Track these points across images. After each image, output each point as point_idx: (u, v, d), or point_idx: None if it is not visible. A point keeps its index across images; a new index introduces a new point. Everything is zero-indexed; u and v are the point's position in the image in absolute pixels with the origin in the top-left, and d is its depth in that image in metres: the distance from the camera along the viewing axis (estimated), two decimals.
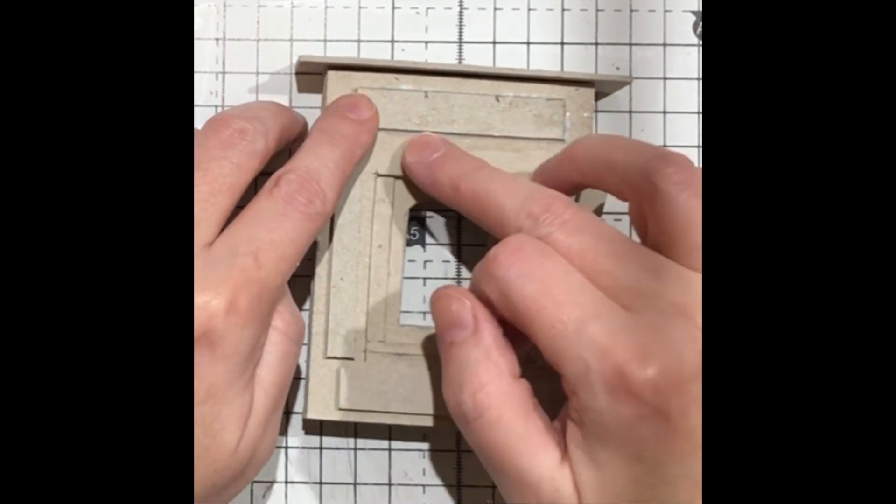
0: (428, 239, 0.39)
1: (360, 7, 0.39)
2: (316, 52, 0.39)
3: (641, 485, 0.28)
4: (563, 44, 0.39)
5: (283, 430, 0.38)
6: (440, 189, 0.35)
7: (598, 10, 0.39)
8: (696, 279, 0.30)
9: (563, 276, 0.30)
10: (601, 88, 0.38)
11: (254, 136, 0.33)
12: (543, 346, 0.30)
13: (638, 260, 0.30)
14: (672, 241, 0.30)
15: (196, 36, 0.39)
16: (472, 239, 0.39)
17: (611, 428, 0.29)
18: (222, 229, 0.32)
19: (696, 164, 0.32)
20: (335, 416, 0.36)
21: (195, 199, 0.31)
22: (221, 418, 0.31)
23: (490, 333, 0.32)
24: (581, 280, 0.30)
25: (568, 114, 0.37)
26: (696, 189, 0.30)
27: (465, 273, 0.39)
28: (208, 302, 0.30)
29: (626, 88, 0.39)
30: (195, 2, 0.39)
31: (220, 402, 0.31)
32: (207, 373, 0.30)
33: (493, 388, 0.31)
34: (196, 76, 0.38)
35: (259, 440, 0.33)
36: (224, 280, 0.30)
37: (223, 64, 0.39)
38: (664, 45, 0.39)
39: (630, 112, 0.39)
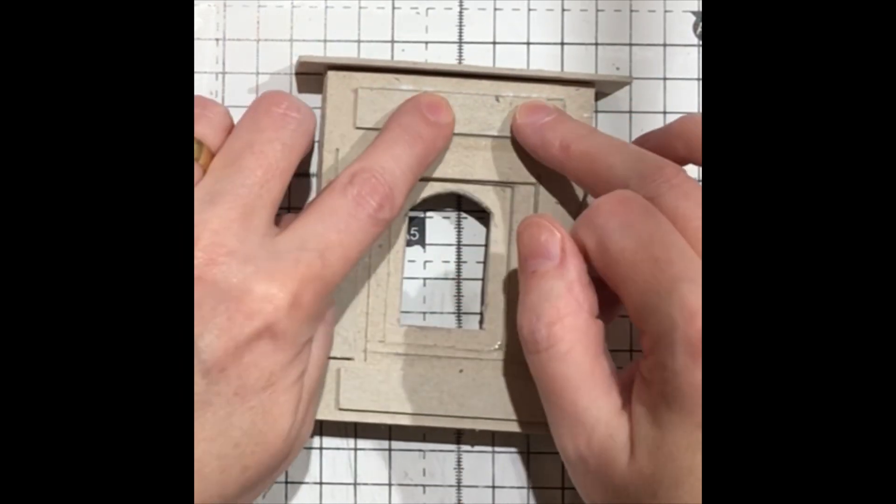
0: (428, 239, 0.39)
1: (360, 7, 0.39)
2: (316, 52, 0.39)
3: (699, 453, 0.28)
4: (563, 44, 0.39)
5: None
6: (549, 150, 0.35)
7: (598, 10, 0.39)
8: None
9: (665, 234, 0.30)
10: (601, 88, 0.38)
11: (305, 113, 0.33)
12: (632, 301, 0.30)
13: None
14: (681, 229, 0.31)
15: (196, 36, 0.39)
16: (472, 239, 0.39)
17: (683, 391, 0.28)
18: (277, 215, 0.33)
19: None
20: (335, 416, 0.36)
21: (251, 182, 0.32)
22: (279, 405, 0.31)
23: (575, 268, 0.32)
24: (682, 242, 0.30)
25: (568, 114, 0.37)
26: (692, 185, 0.31)
27: (465, 273, 0.39)
28: (274, 295, 0.30)
29: (626, 88, 0.39)
30: (195, 2, 0.39)
31: (278, 391, 0.31)
32: (269, 362, 0.31)
33: (570, 322, 0.31)
34: (196, 76, 0.38)
35: (304, 424, 0.33)
36: (290, 274, 0.31)
37: (223, 64, 0.39)
38: (664, 45, 0.39)
39: (630, 112, 0.39)
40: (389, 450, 0.38)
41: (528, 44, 0.39)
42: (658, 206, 0.31)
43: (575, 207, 0.37)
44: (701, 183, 0.31)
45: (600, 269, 0.31)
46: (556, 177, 0.36)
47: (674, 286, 0.29)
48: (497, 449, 0.38)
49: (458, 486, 0.38)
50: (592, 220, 0.31)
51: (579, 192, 0.37)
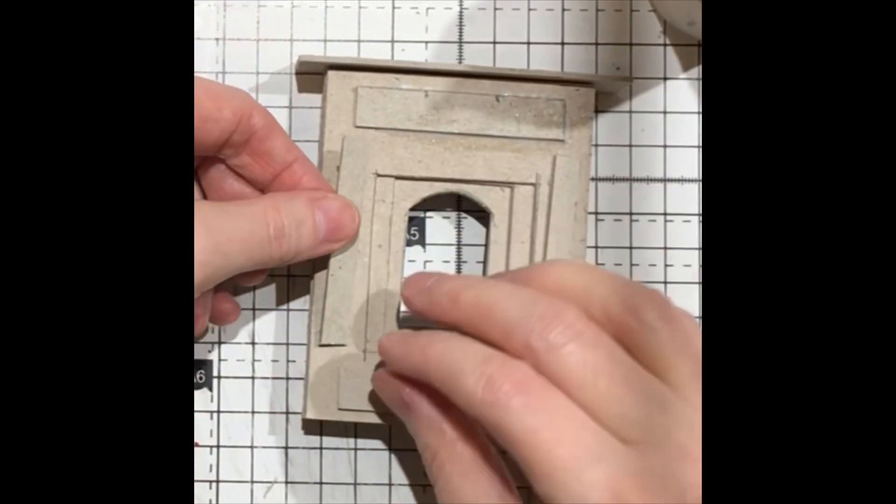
0: (428, 239, 0.39)
1: (360, 7, 0.39)
2: (316, 52, 0.39)
3: None
4: (563, 44, 0.39)
5: (284, 430, 0.38)
6: (440, 306, 0.32)
7: (598, 10, 0.39)
8: (696, 417, 0.29)
9: (567, 411, 0.29)
10: (601, 88, 0.38)
11: None
12: (539, 480, 0.29)
13: (647, 390, 0.29)
14: (663, 371, 0.30)
15: (196, 36, 0.39)
16: (472, 239, 0.39)
17: None
18: None
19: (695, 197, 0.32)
20: (335, 416, 0.36)
21: None
22: None
23: (424, 404, 0.32)
24: (583, 417, 0.29)
25: (568, 114, 0.37)
26: (679, 321, 0.30)
27: (464, 273, 0.39)
28: None
29: (626, 88, 0.39)
30: (195, 2, 0.39)
31: None
32: None
33: (443, 455, 0.32)
34: (196, 76, 0.38)
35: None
36: None
37: (223, 64, 0.39)
38: (664, 45, 0.39)
39: (630, 112, 0.39)
40: (389, 450, 0.38)
41: (528, 44, 0.39)
42: (563, 358, 0.29)
43: (576, 210, 0.37)
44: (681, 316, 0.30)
45: (498, 441, 0.30)
46: (558, 179, 0.36)
47: (582, 467, 0.28)
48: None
49: None
50: (489, 401, 0.29)
51: (580, 195, 0.37)
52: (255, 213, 0.33)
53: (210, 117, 0.33)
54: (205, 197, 0.36)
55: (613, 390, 0.29)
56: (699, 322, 0.37)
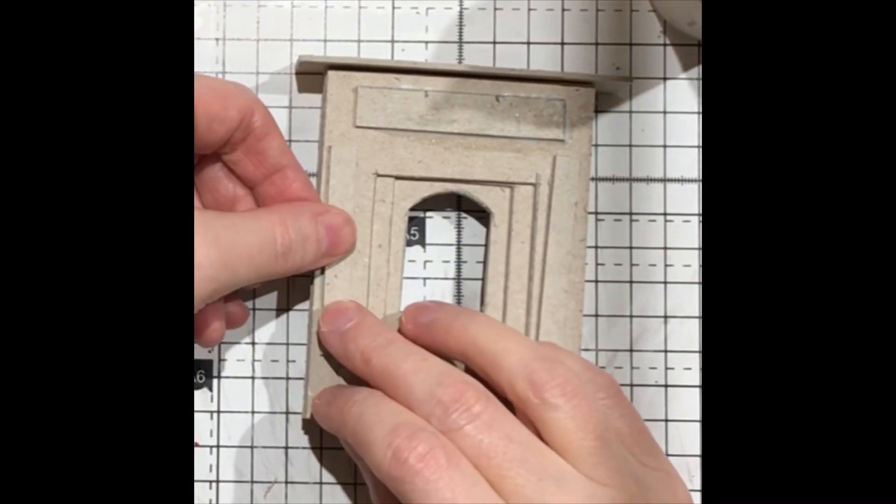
0: (428, 239, 0.39)
1: (360, 7, 0.39)
2: (316, 52, 0.39)
3: None
4: (563, 44, 0.39)
5: (284, 430, 0.38)
6: (352, 361, 0.34)
7: (598, 10, 0.39)
8: (597, 489, 0.30)
9: (469, 486, 0.30)
10: (601, 88, 0.38)
11: None
12: None
13: (543, 467, 0.30)
14: (563, 448, 0.30)
15: (196, 36, 0.39)
16: (472, 239, 0.39)
17: None
18: None
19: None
20: None
21: None
22: None
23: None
24: (486, 491, 0.30)
25: (568, 114, 0.37)
26: (581, 398, 0.31)
27: (465, 273, 0.39)
28: None
29: (626, 88, 0.39)
30: (195, 2, 0.39)
31: None
32: None
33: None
34: (200, 74, 0.38)
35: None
36: None
37: (223, 64, 0.39)
38: (664, 45, 0.39)
39: (630, 112, 0.39)
40: None
41: (528, 44, 0.39)
42: (460, 439, 0.30)
43: (576, 210, 0.37)
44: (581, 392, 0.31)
45: None
46: (558, 179, 0.36)
47: None
48: None
49: None
50: (395, 475, 0.30)
51: (580, 195, 0.37)
52: (264, 228, 0.33)
53: (216, 117, 0.33)
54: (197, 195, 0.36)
55: (507, 470, 0.30)
56: (699, 322, 0.37)
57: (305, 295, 0.38)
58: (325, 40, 0.39)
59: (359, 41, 0.39)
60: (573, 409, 0.30)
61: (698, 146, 0.39)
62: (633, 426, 0.32)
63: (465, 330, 0.33)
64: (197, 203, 0.35)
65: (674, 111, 0.39)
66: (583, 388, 0.31)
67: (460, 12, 0.39)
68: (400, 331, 0.35)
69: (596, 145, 0.39)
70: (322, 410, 0.35)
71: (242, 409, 0.38)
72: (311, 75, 0.38)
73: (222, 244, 0.32)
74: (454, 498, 0.29)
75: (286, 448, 0.38)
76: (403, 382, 0.32)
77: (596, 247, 0.38)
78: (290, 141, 0.38)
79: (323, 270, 0.36)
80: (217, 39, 0.39)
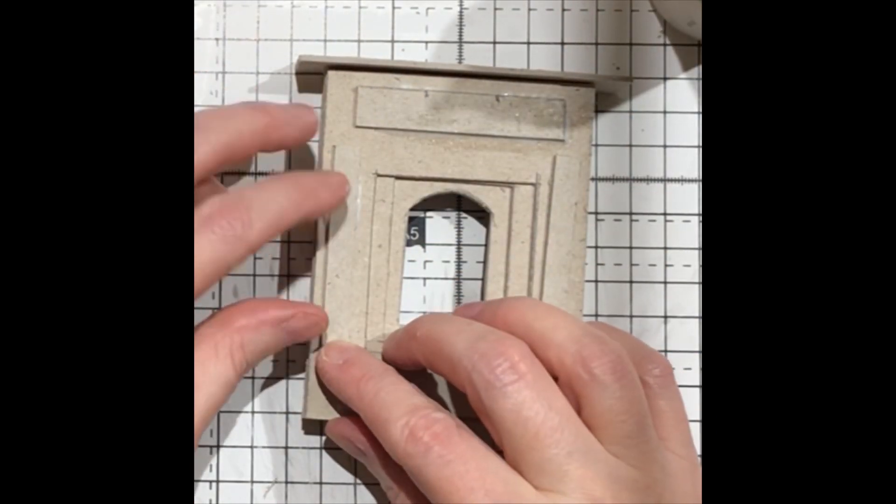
0: (428, 239, 0.39)
1: (360, 7, 0.39)
2: (316, 52, 0.39)
3: None
4: (563, 44, 0.39)
5: (284, 430, 0.38)
6: (401, 343, 0.34)
7: (598, 10, 0.39)
8: (622, 469, 0.30)
9: (480, 460, 0.30)
10: (601, 88, 0.38)
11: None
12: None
13: (574, 441, 0.30)
14: (602, 427, 0.30)
15: (196, 36, 0.39)
16: (472, 239, 0.39)
17: None
18: None
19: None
20: (335, 416, 0.36)
21: None
22: None
23: (379, 455, 0.34)
24: (498, 465, 0.30)
25: (568, 114, 0.37)
26: (628, 379, 0.31)
27: (464, 273, 0.39)
28: None
29: (626, 88, 0.39)
30: (195, 2, 0.39)
31: None
32: None
33: (405, 491, 0.34)
34: (196, 76, 0.38)
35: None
36: None
37: (223, 64, 0.39)
38: (664, 45, 0.39)
39: (630, 112, 0.39)
40: None
41: (528, 44, 0.39)
42: (499, 400, 0.30)
43: (576, 210, 0.37)
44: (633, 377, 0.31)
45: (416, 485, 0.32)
46: (558, 179, 0.36)
47: None
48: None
49: None
50: (408, 451, 0.31)
51: (580, 195, 0.37)
52: (220, 374, 0.33)
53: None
54: None
55: (542, 439, 0.30)
56: (699, 322, 0.37)
57: (306, 295, 0.38)
58: (325, 40, 0.39)
59: (359, 41, 0.39)
60: (620, 390, 0.30)
61: (698, 146, 0.39)
62: (677, 413, 0.32)
63: (512, 308, 0.33)
64: None
65: (674, 111, 0.39)
66: (631, 370, 0.31)
67: (460, 12, 0.39)
68: None
69: (596, 145, 0.39)
70: (333, 374, 0.35)
71: (242, 409, 0.38)
72: (311, 75, 0.38)
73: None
74: (466, 471, 0.29)
75: (286, 448, 0.38)
76: (446, 342, 0.32)
77: (596, 247, 0.38)
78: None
79: (324, 271, 0.36)
80: (217, 39, 0.39)
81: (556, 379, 0.31)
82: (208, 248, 0.31)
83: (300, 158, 0.38)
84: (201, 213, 0.32)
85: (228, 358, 0.33)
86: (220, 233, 0.31)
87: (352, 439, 0.35)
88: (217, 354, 0.33)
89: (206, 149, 0.32)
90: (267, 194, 0.33)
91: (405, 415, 0.31)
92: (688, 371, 0.36)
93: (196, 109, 0.38)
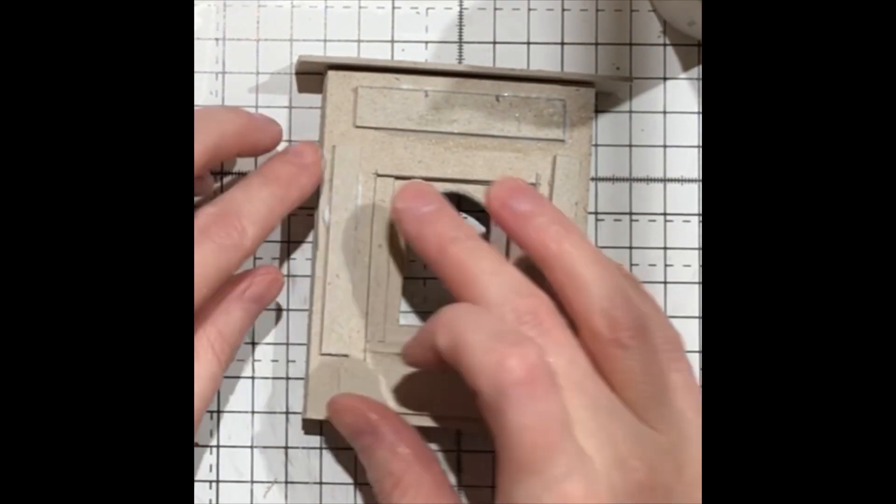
0: None
1: (360, 7, 0.39)
2: (316, 52, 0.39)
3: None
4: (563, 44, 0.39)
5: (284, 430, 0.38)
6: (425, 245, 0.33)
7: (598, 10, 0.39)
8: (645, 431, 0.30)
9: (555, 417, 0.29)
10: (601, 88, 0.38)
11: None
12: (512, 472, 0.29)
13: (597, 396, 0.30)
14: (623, 387, 0.30)
15: (196, 36, 0.39)
16: None
17: None
18: None
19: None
20: None
21: None
22: None
23: (390, 429, 0.34)
24: (566, 428, 0.29)
25: (568, 114, 0.37)
26: (651, 344, 0.31)
27: None
28: None
29: (626, 88, 0.39)
30: (195, 2, 0.39)
31: None
32: None
33: (407, 480, 0.33)
34: (196, 76, 0.38)
35: None
36: None
37: (223, 64, 0.39)
38: (664, 45, 0.39)
39: (630, 112, 0.39)
40: None
41: (528, 44, 0.39)
42: (504, 407, 0.29)
43: (576, 210, 0.37)
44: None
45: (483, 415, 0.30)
46: (558, 179, 0.37)
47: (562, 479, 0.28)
48: None
49: (459, 486, 0.38)
50: (500, 389, 0.29)
51: (580, 195, 0.37)
52: (204, 366, 0.33)
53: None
54: None
55: (577, 398, 0.29)
56: (699, 322, 0.37)
57: (305, 294, 0.38)
58: (325, 40, 0.39)
59: (359, 41, 0.39)
60: (641, 354, 0.30)
61: (698, 146, 0.39)
62: (689, 382, 0.32)
63: (558, 241, 0.32)
64: None
65: (674, 111, 0.39)
66: (654, 335, 0.31)
67: (460, 12, 0.39)
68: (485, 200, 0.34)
69: (596, 145, 0.39)
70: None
71: (242, 409, 0.38)
72: (311, 75, 0.38)
73: None
74: (541, 423, 0.28)
75: (286, 448, 0.38)
76: (479, 281, 0.31)
77: (596, 247, 0.38)
78: (290, 141, 0.38)
79: (324, 271, 0.36)
80: (217, 39, 0.39)
81: (576, 328, 0.31)
82: (211, 257, 0.32)
83: None
84: (198, 225, 0.32)
85: (209, 351, 0.33)
86: (218, 241, 0.32)
87: (361, 412, 0.34)
88: (197, 351, 0.33)
89: (198, 149, 0.33)
90: (254, 197, 0.34)
91: (492, 339, 0.29)
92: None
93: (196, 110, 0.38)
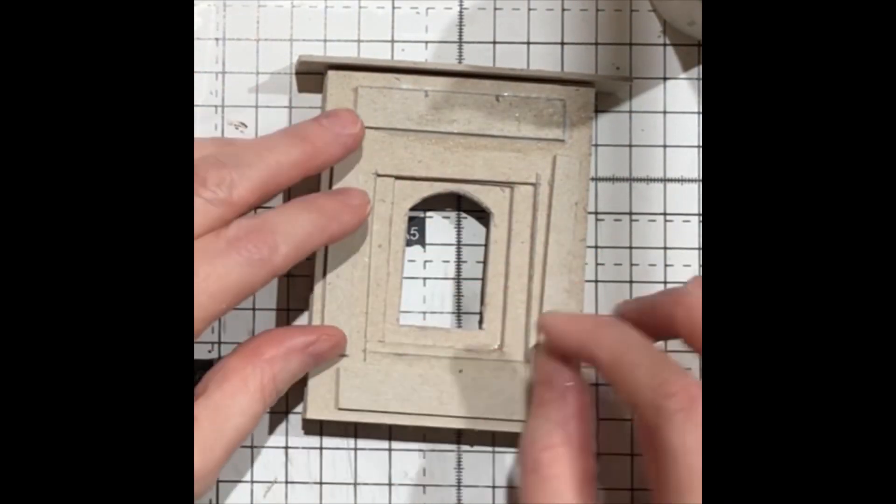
0: (428, 239, 0.39)
1: (360, 7, 0.39)
2: (316, 52, 0.39)
3: None
4: (563, 44, 0.39)
5: (284, 431, 0.38)
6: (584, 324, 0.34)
7: (598, 10, 0.39)
8: None
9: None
10: (601, 88, 0.38)
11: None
12: (674, 491, 0.29)
13: None
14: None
15: (196, 36, 0.39)
16: (472, 239, 0.39)
17: None
18: None
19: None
20: (335, 416, 0.36)
21: None
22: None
23: (575, 404, 0.33)
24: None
25: (568, 114, 0.37)
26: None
27: (464, 273, 0.39)
28: None
29: (626, 88, 0.39)
30: (195, 2, 0.39)
31: None
32: None
33: (559, 452, 0.32)
34: (196, 76, 0.38)
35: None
36: None
37: (223, 64, 0.39)
38: (664, 45, 0.39)
39: (630, 112, 0.39)
40: (389, 450, 0.38)
41: (528, 44, 0.39)
42: (665, 428, 0.30)
43: (576, 210, 0.37)
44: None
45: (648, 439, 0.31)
46: (558, 179, 0.37)
47: None
48: (497, 449, 0.38)
49: (458, 486, 0.38)
50: (661, 404, 0.30)
51: (580, 195, 0.37)
52: (250, 403, 0.33)
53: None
54: None
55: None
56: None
57: (305, 294, 0.38)
58: (325, 40, 0.39)
59: (359, 41, 0.39)
60: (697, 424, 0.30)
61: (698, 146, 0.39)
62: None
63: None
64: None
65: (674, 111, 0.39)
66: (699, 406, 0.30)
67: (460, 12, 0.39)
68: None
69: (596, 145, 0.39)
70: (563, 324, 0.34)
71: None
72: (311, 75, 0.38)
73: (206, 454, 0.32)
74: (697, 445, 0.29)
75: (286, 448, 0.38)
76: (629, 357, 0.32)
77: (596, 247, 0.38)
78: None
79: (324, 271, 0.36)
80: (217, 39, 0.39)
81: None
82: (235, 270, 0.31)
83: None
84: (228, 235, 0.32)
85: (259, 392, 0.33)
86: (246, 255, 0.31)
87: (561, 373, 0.34)
88: (247, 388, 0.33)
89: (246, 185, 0.32)
90: (293, 219, 0.33)
91: (656, 363, 0.31)
92: (687, 371, 0.36)
93: (196, 110, 0.38)
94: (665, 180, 0.38)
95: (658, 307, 0.34)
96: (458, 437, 0.38)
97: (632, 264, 0.38)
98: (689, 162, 0.39)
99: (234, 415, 0.32)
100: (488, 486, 0.38)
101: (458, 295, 0.39)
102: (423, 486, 0.38)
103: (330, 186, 0.36)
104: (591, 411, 0.34)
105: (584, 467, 0.32)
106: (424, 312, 0.38)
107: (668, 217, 0.38)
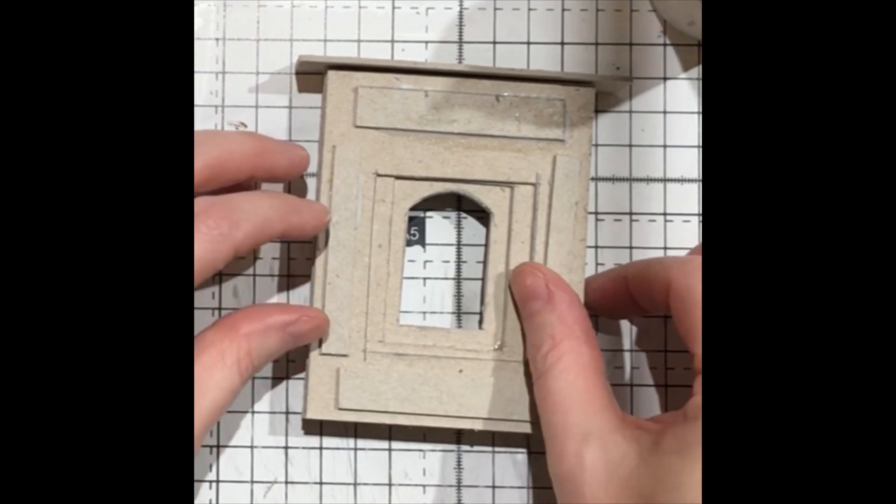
0: (428, 239, 0.39)
1: (360, 7, 0.39)
2: (316, 52, 0.39)
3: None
4: (563, 44, 0.39)
5: (284, 430, 0.38)
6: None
7: (598, 10, 0.39)
8: None
9: None
10: (601, 88, 0.38)
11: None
12: None
13: None
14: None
15: (196, 36, 0.39)
16: (471, 239, 0.39)
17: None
18: None
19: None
20: (334, 416, 0.36)
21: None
22: None
23: (564, 300, 0.34)
24: None
25: (568, 114, 0.37)
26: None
27: (464, 273, 0.39)
28: None
29: (626, 88, 0.39)
30: (195, 2, 0.39)
31: None
32: None
33: (564, 346, 0.33)
34: (196, 76, 0.38)
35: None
36: None
37: (223, 64, 0.39)
38: (664, 45, 0.39)
39: (630, 112, 0.39)
40: (389, 450, 0.38)
41: (528, 44, 0.39)
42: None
43: (576, 210, 0.37)
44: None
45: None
46: (558, 178, 0.37)
47: None
48: (497, 449, 0.38)
49: (458, 486, 0.38)
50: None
51: (580, 194, 0.37)
52: (227, 377, 0.33)
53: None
54: None
55: None
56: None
57: (305, 294, 0.38)
58: (325, 40, 0.39)
59: (359, 41, 0.39)
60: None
61: (698, 146, 0.39)
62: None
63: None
64: None
65: (674, 111, 0.39)
66: None
67: (460, 12, 0.39)
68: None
69: (596, 145, 0.39)
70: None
71: (242, 409, 0.38)
72: (311, 75, 0.38)
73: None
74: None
75: (286, 448, 0.38)
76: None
77: (596, 247, 0.38)
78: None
79: (324, 271, 0.36)
80: (217, 39, 0.39)
81: None
82: (196, 246, 0.31)
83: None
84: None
85: (235, 365, 0.33)
86: (206, 232, 0.31)
87: (542, 277, 0.35)
88: (224, 361, 0.33)
89: (198, 161, 0.32)
90: (255, 201, 0.33)
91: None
92: (688, 371, 0.36)
93: (196, 110, 0.38)
94: (665, 180, 0.38)
95: (651, 270, 0.34)
96: (458, 437, 0.38)
97: None
98: (689, 162, 0.39)
99: (210, 389, 0.32)
100: (488, 486, 0.38)
101: (458, 295, 0.39)
102: (423, 486, 0.38)
103: (330, 186, 0.36)
104: (581, 304, 0.35)
105: (591, 356, 0.33)
106: (424, 312, 0.38)
107: (668, 217, 0.38)
